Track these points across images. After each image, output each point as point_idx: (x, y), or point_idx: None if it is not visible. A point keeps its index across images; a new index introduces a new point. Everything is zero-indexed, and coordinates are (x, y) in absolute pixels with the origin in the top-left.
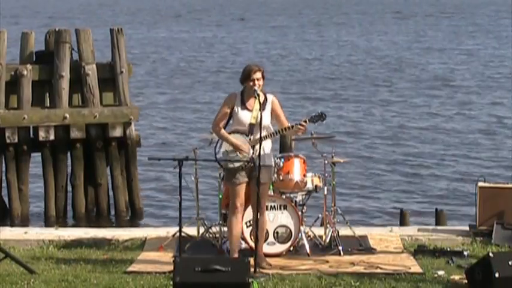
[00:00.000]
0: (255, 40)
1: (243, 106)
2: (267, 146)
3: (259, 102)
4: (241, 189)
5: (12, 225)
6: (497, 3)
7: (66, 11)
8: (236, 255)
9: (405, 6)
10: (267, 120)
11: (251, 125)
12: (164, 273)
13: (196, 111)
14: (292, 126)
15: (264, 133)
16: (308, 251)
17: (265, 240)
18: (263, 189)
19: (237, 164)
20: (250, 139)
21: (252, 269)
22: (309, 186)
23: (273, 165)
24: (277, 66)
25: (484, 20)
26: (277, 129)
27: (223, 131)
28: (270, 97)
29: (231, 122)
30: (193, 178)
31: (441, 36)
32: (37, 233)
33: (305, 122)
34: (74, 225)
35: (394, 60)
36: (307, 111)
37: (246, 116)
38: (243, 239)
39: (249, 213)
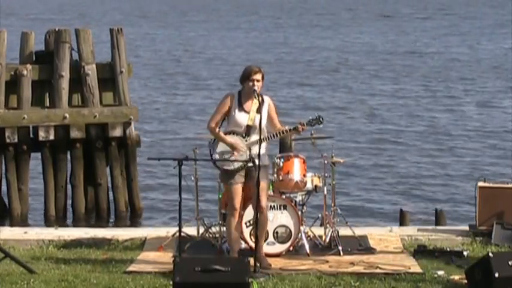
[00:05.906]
0: (250, 40)
1: (240, 107)
2: (263, 146)
3: (259, 103)
4: (239, 190)
5: (12, 225)
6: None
7: (50, 12)
8: (236, 255)
9: (392, 7)
10: (263, 122)
11: (248, 127)
12: (164, 273)
13: (196, 111)
14: (290, 130)
15: (260, 135)
16: (308, 251)
17: (265, 240)
18: (261, 189)
19: (233, 166)
20: (246, 140)
21: (252, 269)
22: (309, 186)
23: (269, 164)
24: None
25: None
26: (274, 132)
27: (218, 130)
28: (266, 100)
29: (225, 122)
30: (193, 178)
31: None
32: (37, 233)
33: (302, 125)
34: (73, 225)
35: (384, 59)
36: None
37: (243, 118)
38: (243, 239)
39: (248, 213)
